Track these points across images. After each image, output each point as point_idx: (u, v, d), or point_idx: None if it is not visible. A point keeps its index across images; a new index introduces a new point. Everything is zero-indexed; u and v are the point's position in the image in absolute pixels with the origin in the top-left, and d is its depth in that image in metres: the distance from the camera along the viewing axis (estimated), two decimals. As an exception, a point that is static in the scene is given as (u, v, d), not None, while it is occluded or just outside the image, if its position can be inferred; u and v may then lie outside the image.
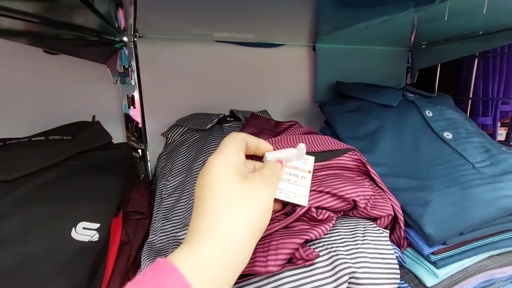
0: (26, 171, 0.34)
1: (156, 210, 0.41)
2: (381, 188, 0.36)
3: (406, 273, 0.37)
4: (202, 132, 0.50)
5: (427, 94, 0.57)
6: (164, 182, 0.44)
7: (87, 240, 0.32)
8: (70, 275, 0.29)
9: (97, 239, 0.32)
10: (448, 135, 0.48)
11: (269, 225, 0.28)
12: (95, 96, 0.56)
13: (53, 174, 0.35)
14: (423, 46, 0.70)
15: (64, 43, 0.48)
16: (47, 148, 0.39)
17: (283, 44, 0.65)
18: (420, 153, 0.47)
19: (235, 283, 0.25)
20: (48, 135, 0.44)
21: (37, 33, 0.44)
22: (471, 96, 0.67)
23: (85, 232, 0.32)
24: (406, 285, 0.32)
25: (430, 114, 0.52)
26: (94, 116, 0.47)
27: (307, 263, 0.27)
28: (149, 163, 0.60)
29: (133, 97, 0.56)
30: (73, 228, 0.32)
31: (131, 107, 0.57)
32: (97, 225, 0.33)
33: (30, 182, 0.33)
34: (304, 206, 0.29)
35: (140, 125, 0.58)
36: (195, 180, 0.41)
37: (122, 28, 0.49)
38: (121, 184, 0.39)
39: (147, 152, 0.59)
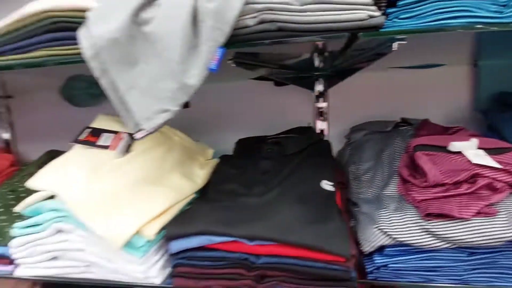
0: (292, 150, 0.63)
1: (356, 183, 0.63)
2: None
3: None
4: (381, 133, 0.69)
5: None
6: (356, 166, 0.66)
7: (328, 189, 0.56)
8: (325, 209, 0.54)
9: (333, 190, 0.57)
10: None
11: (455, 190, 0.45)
12: (294, 110, 0.85)
13: (304, 154, 0.63)
14: None
15: (288, 78, 0.78)
16: (293, 140, 0.68)
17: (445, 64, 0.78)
18: None
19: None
20: (284, 134, 0.74)
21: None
22: None
23: (326, 186, 0.57)
24: None
25: None
26: (309, 123, 0.75)
27: (488, 216, 0.42)
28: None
29: (322, 111, 0.81)
30: (320, 182, 0.57)
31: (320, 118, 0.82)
32: (332, 183, 0.57)
33: (297, 156, 0.61)
34: (485, 178, 0.45)
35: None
36: (386, 164, 0.61)
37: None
38: (334, 161, 0.64)
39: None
